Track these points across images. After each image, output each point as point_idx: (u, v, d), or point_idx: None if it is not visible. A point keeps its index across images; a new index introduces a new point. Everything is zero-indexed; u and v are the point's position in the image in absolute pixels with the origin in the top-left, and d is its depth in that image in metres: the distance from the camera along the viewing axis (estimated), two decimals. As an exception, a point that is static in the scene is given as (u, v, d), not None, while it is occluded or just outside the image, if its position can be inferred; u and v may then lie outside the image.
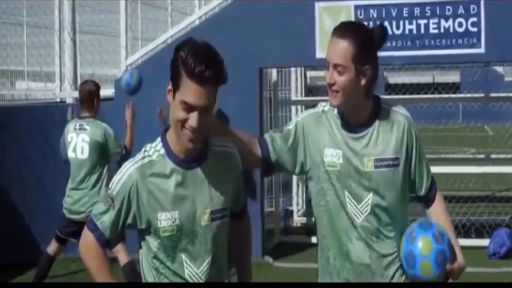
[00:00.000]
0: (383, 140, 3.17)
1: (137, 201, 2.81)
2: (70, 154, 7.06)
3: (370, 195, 3.15)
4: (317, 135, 3.20)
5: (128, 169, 2.83)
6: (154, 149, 2.86)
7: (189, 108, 2.70)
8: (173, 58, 2.78)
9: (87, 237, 2.90)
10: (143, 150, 2.87)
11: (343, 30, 3.10)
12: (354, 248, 3.17)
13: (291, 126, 3.26)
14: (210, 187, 2.86)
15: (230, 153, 2.97)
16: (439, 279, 3.07)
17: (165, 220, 2.80)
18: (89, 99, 7.08)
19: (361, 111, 3.17)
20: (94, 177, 7.02)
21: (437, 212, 3.31)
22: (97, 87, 7.14)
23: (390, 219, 3.18)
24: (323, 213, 3.21)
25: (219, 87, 2.75)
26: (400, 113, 3.24)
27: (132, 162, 2.84)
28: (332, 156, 3.16)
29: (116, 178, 2.84)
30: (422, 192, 3.29)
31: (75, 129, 7.08)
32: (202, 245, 2.86)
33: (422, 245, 3.04)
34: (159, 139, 2.87)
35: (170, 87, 2.78)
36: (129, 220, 2.84)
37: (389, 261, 3.18)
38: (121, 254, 6.89)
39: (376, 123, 3.18)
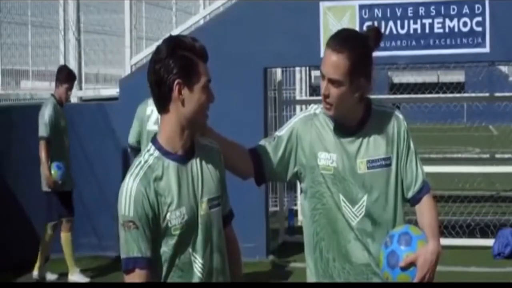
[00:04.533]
0: (375, 141, 3.18)
1: (152, 211, 2.79)
2: (151, 127, 7.06)
3: (365, 197, 3.16)
4: (311, 139, 3.21)
5: (132, 185, 2.79)
6: (149, 154, 2.86)
7: (208, 85, 2.89)
8: (176, 55, 2.80)
9: (139, 276, 2.78)
10: (137, 161, 2.85)
11: (339, 43, 3.08)
12: (352, 249, 3.19)
13: (283, 132, 3.26)
14: (203, 177, 2.90)
15: (214, 149, 3.02)
16: (411, 275, 3.03)
17: (175, 218, 2.81)
18: None
19: (353, 116, 3.18)
20: None
21: (422, 208, 3.22)
22: None
23: (385, 221, 3.18)
24: (320, 216, 3.22)
25: None
26: (390, 113, 3.25)
27: (133, 176, 2.81)
28: (326, 159, 3.17)
29: (124, 200, 2.79)
30: (410, 194, 3.23)
31: None
32: (203, 235, 2.87)
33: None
34: (150, 144, 2.89)
35: (181, 85, 2.80)
36: (153, 235, 2.80)
37: None
38: None
39: (368, 125, 3.20)
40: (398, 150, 3.20)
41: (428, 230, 3.12)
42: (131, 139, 7.36)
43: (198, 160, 2.91)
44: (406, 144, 3.21)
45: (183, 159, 2.87)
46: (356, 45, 3.09)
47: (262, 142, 3.30)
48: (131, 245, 2.77)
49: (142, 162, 2.84)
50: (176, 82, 2.79)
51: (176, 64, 2.79)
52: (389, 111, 3.25)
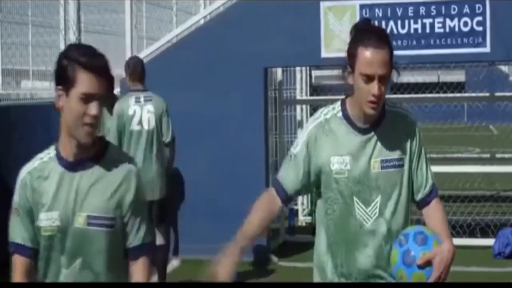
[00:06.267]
0: (389, 141, 3.19)
1: (29, 205, 2.91)
2: (135, 127, 6.99)
3: (379, 198, 3.17)
4: (324, 145, 3.21)
5: (20, 175, 2.97)
6: (47, 152, 2.97)
7: (88, 98, 2.77)
8: (60, 61, 2.84)
9: (17, 262, 2.90)
10: (40, 153, 2.97)
11: (379, 40, 3.10)
12: (361, 256, 3.20)
13: (298, 148, 3.26)
14: (90, 191, 2.86)
15: (127, 169, 2.91)
16: (426, 273, 3.03)
17: (45, 220, 2.87)
18: (142, 71, 7.13)
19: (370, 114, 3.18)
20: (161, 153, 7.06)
21: (431, 210, 3.25)
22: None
23: (397, 221, 3.20)
24: (331, 222, 3.24)
25: (112, 80, 2.88)
26: (405, 115, 3.27)
27: (26, 166, 2.98)
28: (340, 163, 3.18)
29: (15, 187, 2.96)
30: (419, 196, 3.25)
31: (137, 101, 7.03)
32: (72, 247, 2.86)
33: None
34: (54, 143, 2.97)
35: (60, 91, 2.82)
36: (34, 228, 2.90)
37: None
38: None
39: (382, 125, 3.20)
40: (411, 151, 3.22)
41: (442, 231, 3.15)
42: (113, 140, 6.93)
43: (95, 172, 2.87)
44: (418, 146, 3.23)
45: (71, 166, 2.88)
46: (388, 37, 3.17)
47: (283, 168, 3.31)
48: (14, 230, 2.92)
49: (38, 157, 2.97)
50: (57, 87, 2.84)
51: (58, 71, 2.84)
52: (403, 113, 3.27)
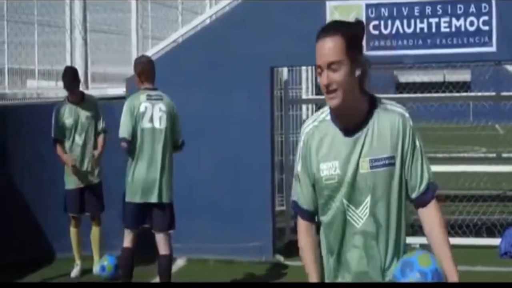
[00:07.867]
0: (379, 139, 3.12)
1: None
2: (146, 124, 6.87)
3: (368, 198, 3.12)
4: (313, 153, 3.19)
5: None
6: None
7: None
8: None
9: None
10: None
11: (330, 29, 3.07)
12: (351, 258, 3.19)
13: (300, 166, 3.26)
14: None
15: None
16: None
17: None
18: (152, 70, 7.03)
19: (357, 110, 3.12)
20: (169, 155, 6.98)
21: (427, 217, 3.18)
22: None
23: (388, 222, 3.15)
24: (325, 225, 3.24)
25: None
26: (395, 111, 3.18)
27: None
28: (329, 169, 3.14)
29: None
30: (414, 195, 3.17)
31: (149, 98, 6.91)
32: None
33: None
34: None
35: None
36: None
37: (385, 267, 3.17)
38: (127, 238, 6.97)
39: (371, 122, 3.14)
40: (403, 149, 3.14)
41: (444, 254, 3.12)
42: (127, 134, 6.86)
43: None
44: (411, 143, 3.14)
45: None
46: (347, 25, 3.10)
47: (296, 190, 3.30)
48: None
49: None
50: None
51: None
52: (393, 109, 3.18)
